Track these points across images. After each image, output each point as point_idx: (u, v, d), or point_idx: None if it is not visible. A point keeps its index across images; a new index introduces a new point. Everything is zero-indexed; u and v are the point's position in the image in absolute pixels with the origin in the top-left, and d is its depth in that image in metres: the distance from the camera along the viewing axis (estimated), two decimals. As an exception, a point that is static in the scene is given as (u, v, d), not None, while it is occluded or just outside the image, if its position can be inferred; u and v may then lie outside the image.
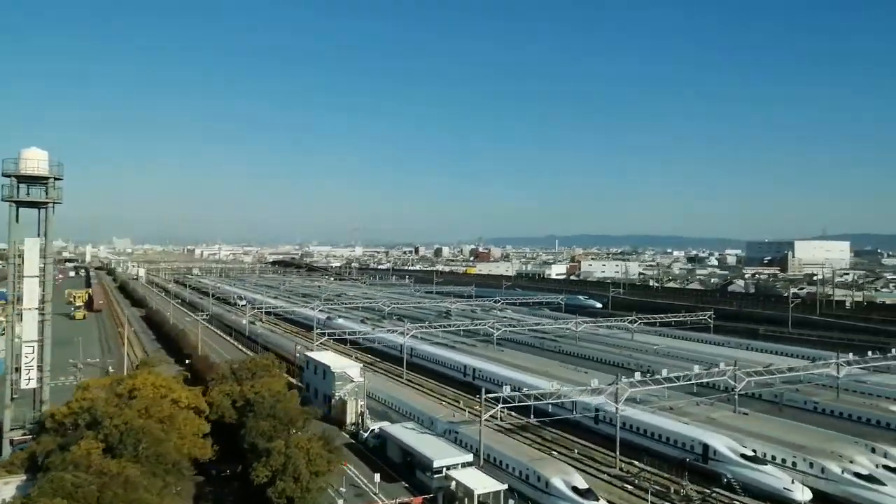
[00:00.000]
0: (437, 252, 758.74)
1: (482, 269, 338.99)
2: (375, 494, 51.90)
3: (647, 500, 51.89)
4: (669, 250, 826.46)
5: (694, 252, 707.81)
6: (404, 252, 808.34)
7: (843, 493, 51.67)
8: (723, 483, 55.50)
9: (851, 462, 54.07)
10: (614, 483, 57.24)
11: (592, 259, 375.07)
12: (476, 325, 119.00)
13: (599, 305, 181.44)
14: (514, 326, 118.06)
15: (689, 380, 68.81)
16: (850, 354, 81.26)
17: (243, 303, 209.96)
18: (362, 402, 72.25)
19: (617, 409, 61.68)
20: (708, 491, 54.59)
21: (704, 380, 69.94)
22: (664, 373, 71.63)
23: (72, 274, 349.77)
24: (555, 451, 65.68)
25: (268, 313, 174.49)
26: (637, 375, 68.46)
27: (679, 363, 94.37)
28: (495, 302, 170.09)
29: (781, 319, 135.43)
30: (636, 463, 61.97)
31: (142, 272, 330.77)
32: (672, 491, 54.17)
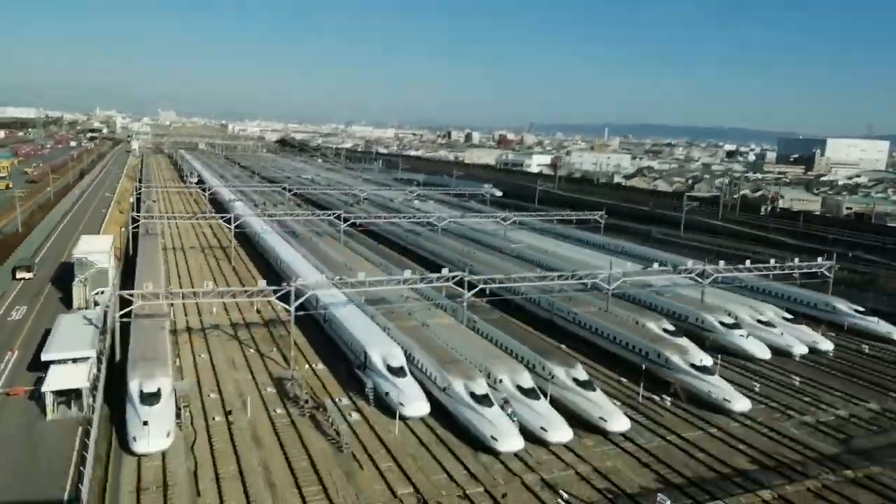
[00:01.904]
0: (468, 137, 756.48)
1: (470, 157, 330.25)
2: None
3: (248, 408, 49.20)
4: (721, 143, 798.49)
5: (751, 147, 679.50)
6: (438, 136, 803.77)
7: (456, 411, 47.94)
8: (365, 393, 52.33)
9: (497, 381, 50.13)
10: (263, 388, 54.56)
11: (581, 150, 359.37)
12: (320, 216, 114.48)
13: (500, 194, 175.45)
14: (377, 218, 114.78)
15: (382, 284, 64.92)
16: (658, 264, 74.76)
17: (194, 179, 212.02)
18: (100, 291, 70.31)
19: (291, 311, 58.15)
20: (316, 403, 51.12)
21: (386, 287, 65.63)
22: (406, 274, 68.31)
23: (73, 143, 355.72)
24: (251, 350, 63.18)
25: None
26: (407, 273, 67.31)
27: (523, 265, 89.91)
28: (411, 192, 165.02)
29: (685, 223, 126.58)
30: (315, 366, 59.31)
31: (135, 145, 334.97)
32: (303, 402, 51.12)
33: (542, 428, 45.52)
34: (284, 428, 46.85)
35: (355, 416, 49.34)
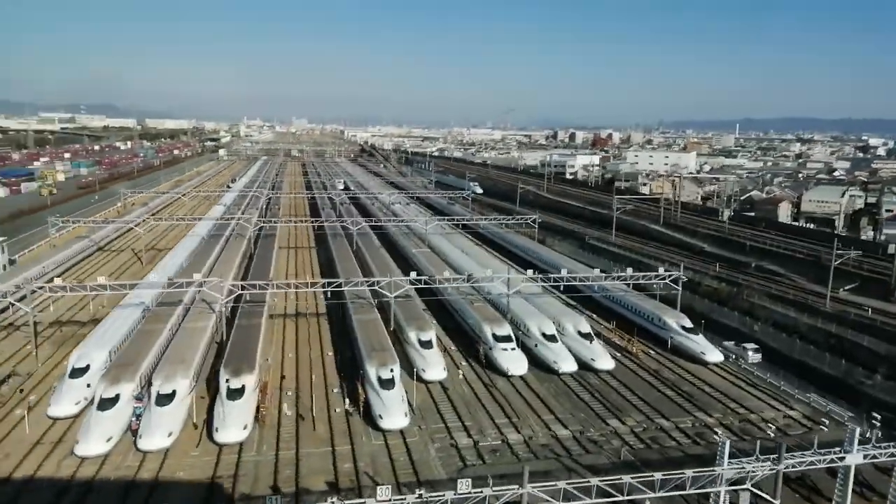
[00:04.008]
0: (572, 137, 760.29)
1: (526, 157, 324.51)
2: None
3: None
4: (867, 137, 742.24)
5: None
6: (546, 137, 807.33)
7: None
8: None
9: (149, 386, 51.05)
10: None
11: (639, 150, 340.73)
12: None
13: (480, 191, 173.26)
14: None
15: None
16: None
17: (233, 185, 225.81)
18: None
19: (29, 311, 62.04)
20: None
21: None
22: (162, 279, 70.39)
23: (175, 152, 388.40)
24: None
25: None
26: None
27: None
28: (391, 194, 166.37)
29: (632, 229, 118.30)
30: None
31: (223, 153, 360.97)
32: None
33: (140, 435, 46.09)
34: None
35: (18, 413, 52.05)
